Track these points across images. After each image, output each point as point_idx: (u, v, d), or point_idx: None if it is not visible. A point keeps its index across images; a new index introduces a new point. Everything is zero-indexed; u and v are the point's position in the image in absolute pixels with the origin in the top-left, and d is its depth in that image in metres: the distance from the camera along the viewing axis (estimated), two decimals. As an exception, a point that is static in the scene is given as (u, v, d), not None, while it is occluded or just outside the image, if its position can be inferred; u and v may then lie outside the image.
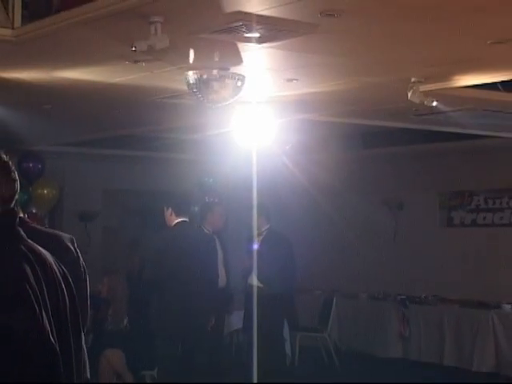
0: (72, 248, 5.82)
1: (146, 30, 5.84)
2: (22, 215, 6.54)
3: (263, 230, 10.53)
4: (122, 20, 5.89)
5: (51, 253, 3.76)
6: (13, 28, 6.47)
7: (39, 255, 3.56)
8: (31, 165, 13.92)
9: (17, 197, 3.61)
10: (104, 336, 10.70)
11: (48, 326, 3.34)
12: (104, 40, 6.51)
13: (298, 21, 5.95)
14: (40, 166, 14.05)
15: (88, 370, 3.99)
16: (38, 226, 6.50)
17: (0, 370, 3.24)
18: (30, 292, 3.33)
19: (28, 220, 6.55)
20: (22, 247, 3.49)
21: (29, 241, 3.57)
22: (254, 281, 10.21)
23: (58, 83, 8.26)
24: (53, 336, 3.35)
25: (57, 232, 6.36)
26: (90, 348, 9.56)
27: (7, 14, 6.45)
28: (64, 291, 3.62)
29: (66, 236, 6.32)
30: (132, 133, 12.59)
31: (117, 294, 11.78)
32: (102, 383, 10.01)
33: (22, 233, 3.58)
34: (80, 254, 5.81)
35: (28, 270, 3.39)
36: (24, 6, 6.52)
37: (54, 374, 3.35)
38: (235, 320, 11.75)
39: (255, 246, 9.90)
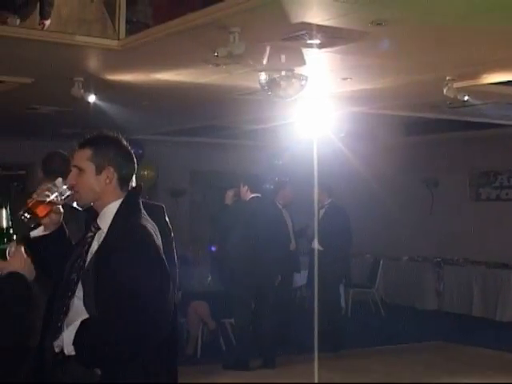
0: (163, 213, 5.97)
1: (226, 38, 5.86)
2: None
3: (325, 203, 10.49)
4: (206, 31, 5.92)
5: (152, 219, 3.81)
6: (118, 39, 6.53)
7: (153, 223, 3.62)
8: (133, 150, 13.94)
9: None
10: (191, 291, 10.78)
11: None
12: (191, 47, 6.54)
13: (352, 29, 5.92)
14: (140, 152, 14.11)
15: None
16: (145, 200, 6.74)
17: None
18: (163, 257, 3.42)
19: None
20: (143, 216, 3.58)
21: (144, 211, 3.63)
22: (316, 245, 10.19)
23: (154, 84, 8.32)
24: None
25: (154, 202, 6.55)
26: (181, 301, 9.70)
27: (114, 28, 6.52)
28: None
29: (157, 204, 6.50)
30: (214, 123, 12.63)
31: (201, 257, 11.83)
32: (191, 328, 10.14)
33: (141, 206, 3.64)
34: (168, 219, 5.95)
35: (155, 236, 3.48)
36: (127, 22, 6.59)
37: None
38: (299, 278, 11.73)
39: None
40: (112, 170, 3.55)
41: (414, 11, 5.51)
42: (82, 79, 7.94)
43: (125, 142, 3.67)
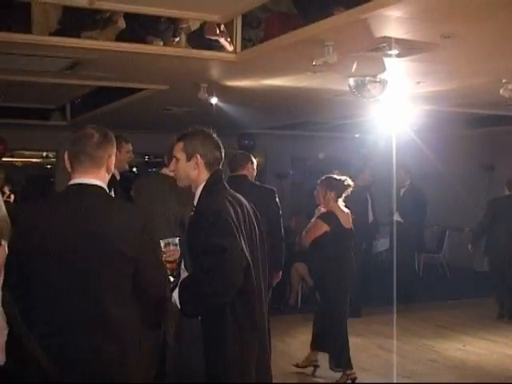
0: (274, 195, 5.91)
1: (322, 50, 5.82)
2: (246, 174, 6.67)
3: (406, 184, 10.47)
4: (305, 44, 5.88)
5: (260, 198, 3.84)
6: (235, 53, 6.56)
7: (238, 199, 3.63)
8: (246, 142, 14.05)
9: (223, 160, 3.67)
10: (294, 254, 10.82)
11: (244, 246, 3.41)
12: (294, 58, 6.53)
13: (425, 41, 5.80)
14: (252, 143, 14.19)
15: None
16: (260, 184, 6.65)
17: (212, 273, 3.32)
18: (233, 225, 3.41)
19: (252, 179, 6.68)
20: (227, 194, 3.58)
21: (231, 190, 3.65)
22: (397, 217, 10.11)
23: (264, 88, 8.34)
24: (247, 252, 3.42)
25: (267, 186, 6.51)
26: (285, 262, 9.74)
27: (232, 44, 6.55)
28: (254, 225, 3.67)
29: (269, 187, 6.44)
30: (311, 119, 12.59)
31: (301, 227, 11.82)
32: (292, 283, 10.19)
33: (226, 185, 3.66)
34: (278, 199, 5.90)
35: (231, 209, 3.47)
36: (242, 38, 6.60)
37: (246, 278, 3.42)
38: (381, 244, 11.63)
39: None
40: (199, 157, 3.58)
41: (475, 26, 5.36)
42: (206, 85, 8.02)
43: (212, 135, 3.70)
